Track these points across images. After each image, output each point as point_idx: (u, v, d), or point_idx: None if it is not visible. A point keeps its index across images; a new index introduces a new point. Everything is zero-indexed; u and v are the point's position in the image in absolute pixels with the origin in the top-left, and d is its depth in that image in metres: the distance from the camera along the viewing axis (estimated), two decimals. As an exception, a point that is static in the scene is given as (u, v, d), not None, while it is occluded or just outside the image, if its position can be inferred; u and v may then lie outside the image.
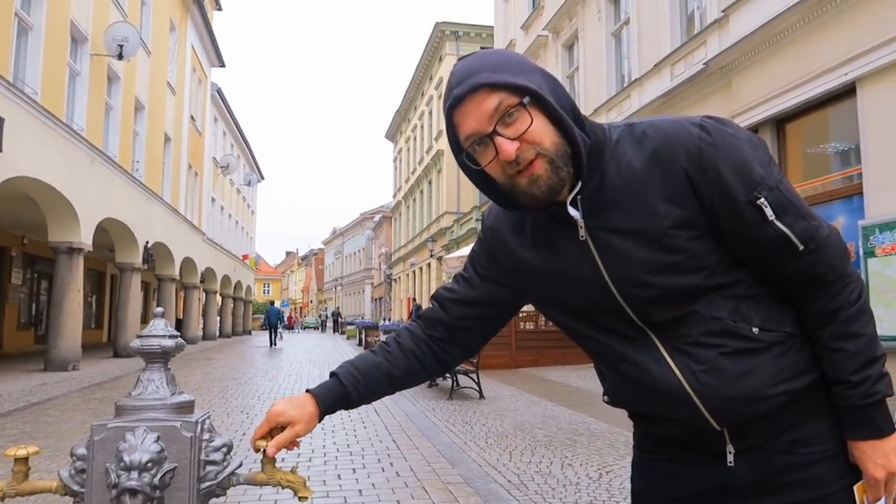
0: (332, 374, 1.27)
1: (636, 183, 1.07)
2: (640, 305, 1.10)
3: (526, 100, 1.03)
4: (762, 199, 1.03)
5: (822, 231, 1.08)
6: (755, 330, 1.08)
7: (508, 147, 1.03)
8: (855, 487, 1.10)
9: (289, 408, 1.19)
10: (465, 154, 1.09)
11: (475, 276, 1.31)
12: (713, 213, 1.06)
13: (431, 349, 1.32)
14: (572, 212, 1.11)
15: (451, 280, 1.37)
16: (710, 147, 1.05)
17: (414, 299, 28.48)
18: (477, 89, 1.03)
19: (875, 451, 1.08)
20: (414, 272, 36.69)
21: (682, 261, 1.07)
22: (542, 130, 1.04)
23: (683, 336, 1.09)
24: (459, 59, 1.12)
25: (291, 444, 1.19)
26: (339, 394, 1.25)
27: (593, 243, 1.11)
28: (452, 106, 1.06)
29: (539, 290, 1.23)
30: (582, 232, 1.11)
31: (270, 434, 1.19)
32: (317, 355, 19.45)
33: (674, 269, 1.07)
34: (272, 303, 32.06)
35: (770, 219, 1.04)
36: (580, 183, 1.10)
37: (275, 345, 25.60)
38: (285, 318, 28.35)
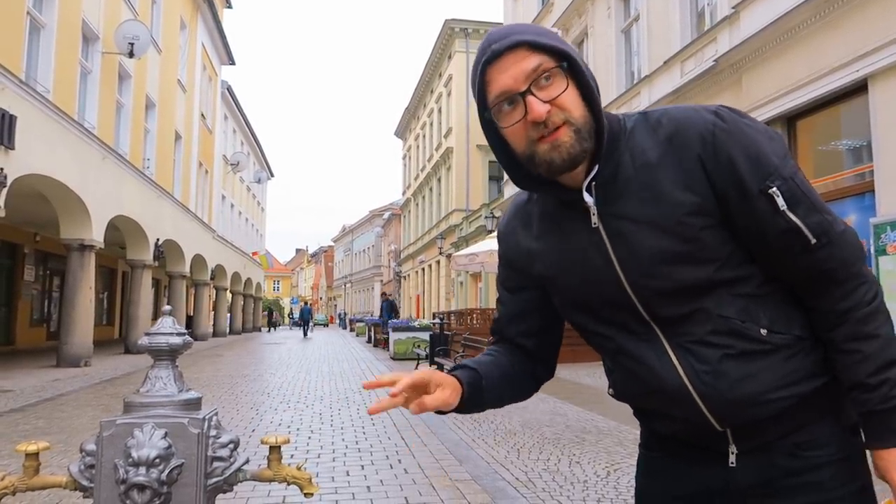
0: (457, 367, 1.20)
1: (651, 170, 1.06)
2: (648, 297, 1.08)
3: (564, 64, 1.03)
4: (774, 189, 1.01)
5: (837, 227, 1.05)
6: (763, 331, 1.05)
7: (539, 107, 1.01)
8: (883, 503, 1.06)
9: (432, 374, 1.10)
10: (492, 112, 1.07)
11: (506, 293, 1.31)
12: (725, 201, 1.04)
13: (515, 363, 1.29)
14: (587, 198, 1.09)
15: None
16: (723, 133, 1.04)
17: (420, 297, 28.38)
18: (518, 46, 1.02)
19: None
20: (423, 269, 36.71)
21: (694, 251, 1.04)
22: (574, 99, 1.04)
23: (689, 334, 1.07)
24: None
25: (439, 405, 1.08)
26: (473, 376, 1.17)
27: (605, 230, 1.09)
28: (489, 60, 1.04)
29: (547, 279, 1.21)
30: (594, 219, 1.10)
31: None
32: (326, 353, 19.51)
33: (684, 258, 1.05)
34: (306, 302, 41.48)
35: (781, 209, 1.01)
36: (596, 168, 1.08)
37: (307, 336, 31.88)
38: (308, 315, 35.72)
